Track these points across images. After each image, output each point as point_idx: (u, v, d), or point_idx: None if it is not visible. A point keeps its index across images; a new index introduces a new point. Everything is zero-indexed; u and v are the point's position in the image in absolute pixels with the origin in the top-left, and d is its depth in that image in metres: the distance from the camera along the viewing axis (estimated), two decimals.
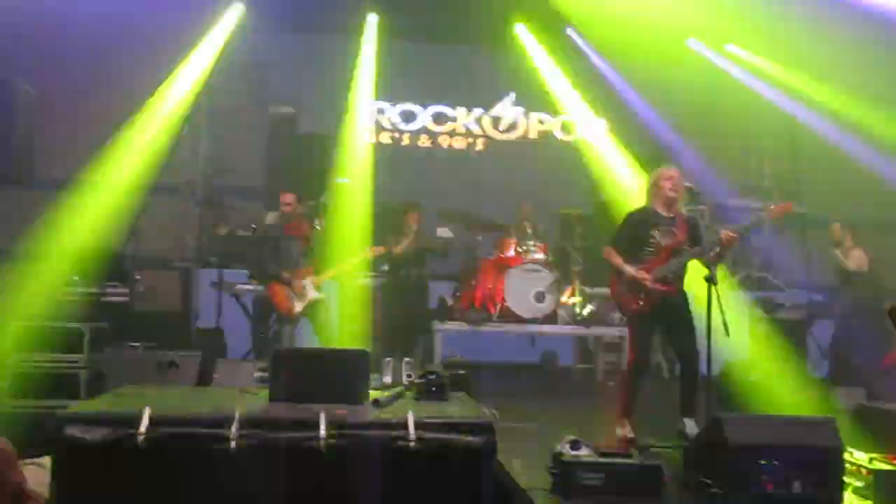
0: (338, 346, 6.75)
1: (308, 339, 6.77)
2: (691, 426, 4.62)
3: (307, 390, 3.43)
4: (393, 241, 7.15)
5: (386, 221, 7.86)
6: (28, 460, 3.43)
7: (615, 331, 8.04)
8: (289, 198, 6.86)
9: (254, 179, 10.41)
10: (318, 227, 6.95)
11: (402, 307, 7.09)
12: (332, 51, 10.51)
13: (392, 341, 7.19)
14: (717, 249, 4.60)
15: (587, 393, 7.74)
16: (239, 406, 3.10)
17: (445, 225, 7.67)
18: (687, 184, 4.66)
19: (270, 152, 10.59)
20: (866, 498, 3.10)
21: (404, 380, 6.73)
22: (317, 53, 10.45)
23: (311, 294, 6.53)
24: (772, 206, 4.79)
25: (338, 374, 3.51)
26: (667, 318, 4.77)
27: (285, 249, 6.66)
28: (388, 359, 6.90)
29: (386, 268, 7.92)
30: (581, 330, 8.12)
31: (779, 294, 9.06)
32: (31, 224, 9.16)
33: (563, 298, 8.01)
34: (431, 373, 3.76)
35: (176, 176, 10.14)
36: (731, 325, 4.31)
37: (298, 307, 6.52)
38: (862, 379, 6.23)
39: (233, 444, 2.99)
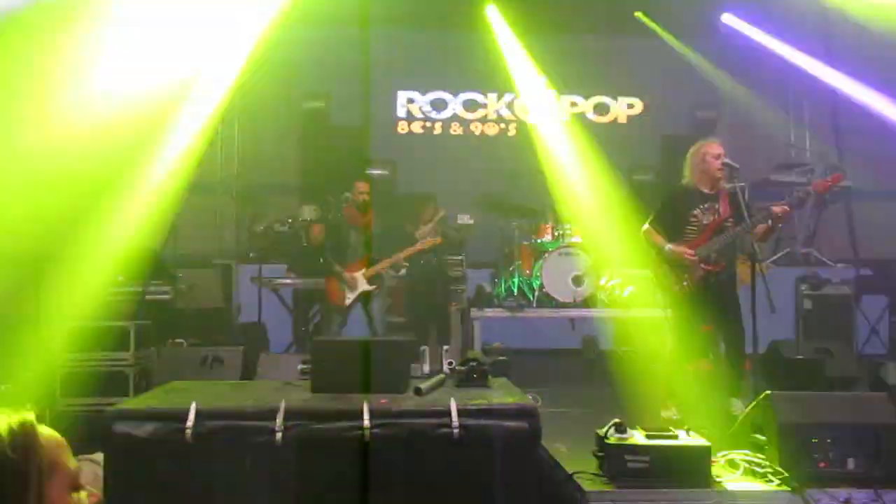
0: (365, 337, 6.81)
1: (360, 331, 6.82)
2: (738, 406, 4.53)
3: (349, 381, 3.44)
4: (413, 230, 7.15)
5: (409, 212, 7.85)
6: (81, 456, 3.52)
7: (655, 313, 7.93)
8: (364, 186, 6.89)
9: (288, 175, 10.52)
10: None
11: (426, 295, 7.09)
12: (361, 42, 10.52)
13: (424, 330, 7.19)
14: (769, 223, 4.48)
15: (628, 377, 7.64)
16: (283, 398, 3.13)
17: (469, 213, 7.63)
18: (726, 160, 4.53)
19: (304, 147, 10.68)
20: None
21: (444, 368, 6.76)
22: (346, 46, 10.47)
23: (363, 286, 6.60)
24: (818, 180, 4.65)
25: (379, 364, 3.52)
26: (712, 297, 4.67)
27: (344, 239, 6.74)
28: (423, 347, 6.91)
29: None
30: (620, 313, 8.02)
31: (825, 270, 8.84)
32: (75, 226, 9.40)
33: (602, 281, 7.92)
34: (473, 360, 3.74)
35: (212, 174, 10.30)
36: (777, 302, 4.21)
37: (350, 298, 6.60)
38: None
39: (278, 436, 3.02)
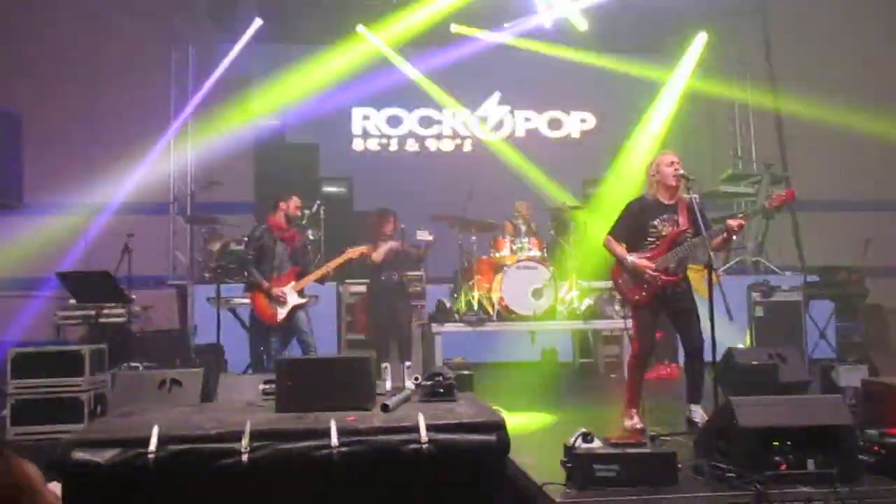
0: (329, 355, 6.71)
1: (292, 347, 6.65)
2: (699, 413, 4.62)
3: (314, 399, 3.42)
4: (369, 248, 7.06)
5: (366, 228, 7.82)
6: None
7: (614, 324, 8.05)
8: (299, 202, 6.73)
9: (243, 193, 10.41)
10: (311, 237, 6.86)
11: (386, 312, 7.03)
12: (316, 61, 10.51)
13: (385, 346, 7.15)
14: (724, 235, 4.59)
15: (589, 388, 7.74)
16: (248, 419, 3.08)
17: (427, 228, 7.62)
18: (681, 171, 4.63)
19: (258, 165, 10.59)
20: (881, 473, 3.10)
21: (408, 383, 6.72)
22: (300, 64, 10.44)
23: (294, 300, 6.43)
24: (774, 195, 4.78)
25: (344, 381, 3.50)
26: (671, 307, 4.75)
27: (270, 252, 6.53)
28: (385, 364, 6.86)
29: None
30: (580, 325, 8.12)
31: (774, 277, 9.09)
32: (24, 248, 9.15)
33: (561, 294, 8.00)
34: (438, 374, 3.74)
35: (165, 193, 10.13)
36: (733, 310, 4.32)
37: (281, 315, 6.42)
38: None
39: (244, 457, 2.97)
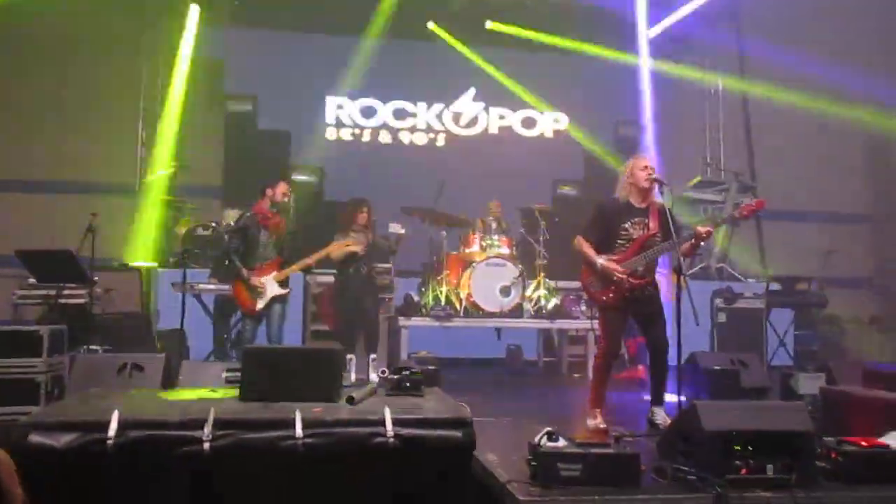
0: (296, 346, 6.64)
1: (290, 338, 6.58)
2: (662, 416, 4.67)
3: (280, 389, 3.37)
4: (342, 237, 6.99)
5: (338, 218, 7.74)
6: None
7: (579, 324, 8.12)
8: (285, 188, 6.56)
9: (211, 177, 10.26)
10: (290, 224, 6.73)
11: (353, 304, 6.98)
12: (291, 46, 10.40)
13: (351, 338, 7.10)
14: (692, 241, 4.64)
15: (553, 386, 7.79)
16: (211, 407, 3.03)
17: (399, 221, 7.58)
18: (655, 175, 4.67)
19: (228, 150, 10.44)
20: (837, 480, 3.16)
21: (373, 377, 6.69)
22: (275, 49, 10.32)
23: (274, 290, 6.35)
24: (744, 204, 4.83)
25: (311, 373, 3.46)
26: (637, 309, 4.79)
27: (255, 240, 6.43)
28: (350, 356, 6.82)
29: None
30: (546, 323, 8.17)
31: (737, 284, 9.24)
32: None
33: (528, 292, 8.04)
34: (405, 368, 3.73)
35: (131, 175, 9.95)
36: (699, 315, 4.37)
37: (260, 304, 6.33)
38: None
39: (206, 445, 2.92)
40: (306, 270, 7.20)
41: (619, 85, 11.00)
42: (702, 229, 4.61)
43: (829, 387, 5.01)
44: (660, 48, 11.03)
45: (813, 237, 10.50)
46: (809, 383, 5.55)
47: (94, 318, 6.55)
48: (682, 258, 4.50)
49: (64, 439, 2.89)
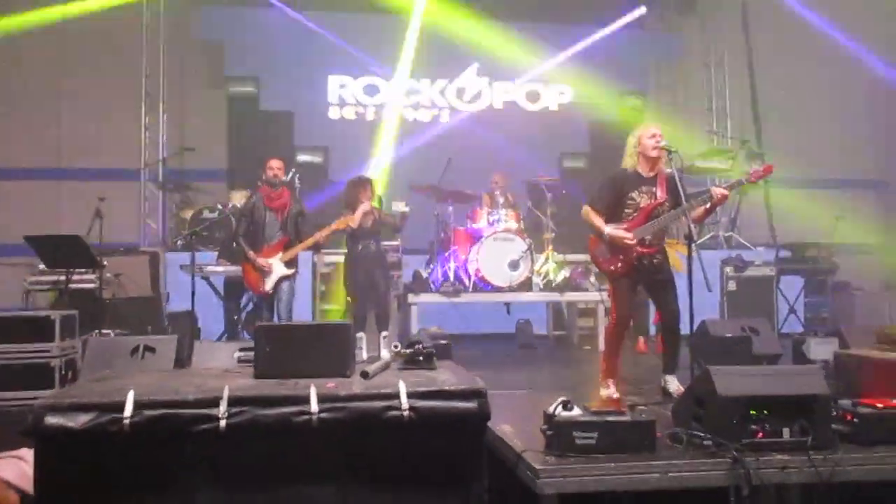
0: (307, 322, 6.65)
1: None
2: (674, 384, 4.66)
3: (293, 365, 3.37)
4: (347, 215, 6.95)
5: (344, 196, 7.71)
6: (4, 453, 3.33)
7: (589, 296, 8.11)
8: (276, 163, 6.49)
9: (216, 160, 10.25)
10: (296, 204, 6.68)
11: (364, 281, 6.97)
12: (291, 25, 10.31)
13: (362, 316, 7.10)
14: (707, 206, 4.60)
15: (564, 359, 7.80)
16: (226, 385, 3.03)
17: (403, 199, 7.54)
18: (663, 143, 4.62)
19: (231, 132, 10.41)
20: (853, 442, 3.15)
21: (384, 353, 6.70)
22: (276, 29, 10.24)
23: (281, 271, 6.35)
24: (753, 169, 4.78)
25: (324, 348, 3.45)
26: (647, 278, 4.77)
27: (260, 221, 6.42)
28: (360, 334, 6.83)
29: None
30: (555, 297, 8.16)
31: (747, 252, 9.20)
32: None
33: (537, 266, 8.02)
34: (418, 342, 3.72)
35: (137, 159, 9.94)
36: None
37: (268, 285, 6.34)
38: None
39: (222, 423, 2.93)
40: (314, 249, 7.18)
41: (624, 55, 10.90)
42: (717, 190, 4.56)
43: (842, 351, 4.98)
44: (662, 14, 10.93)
45: (822, 203, 10.42)
46: (821, 349, 5.55)
47: (105, 302, 6.58)
48: (693, 225, 4.46)
49: (80, 420, 2.90)
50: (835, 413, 3.28)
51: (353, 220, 6.76)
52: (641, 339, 7.80)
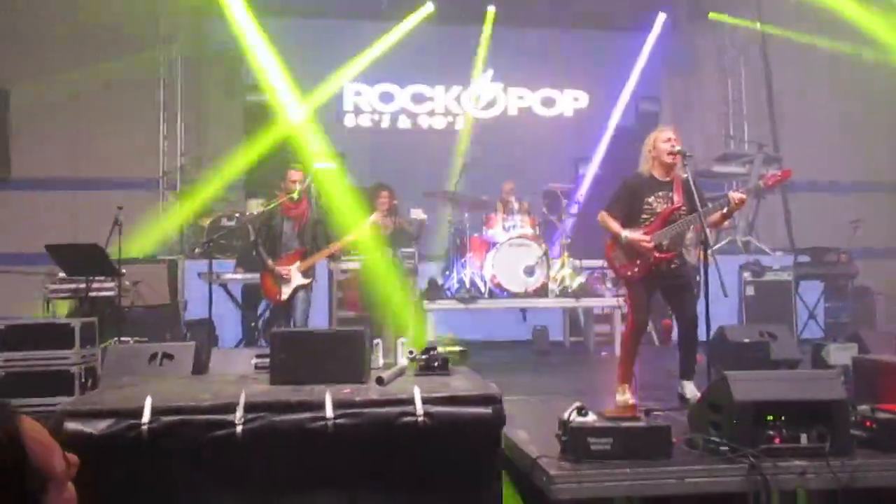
0: (323, 328, 6.66)
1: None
2: (691, 389, 4.63)
3: (309, 372, 3.40)
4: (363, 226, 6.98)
5: (361, 205, 7.75)
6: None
7: (605, 302, 8.07)
8: (296, 174, 6.53)
9: (233, 168, 10.31)
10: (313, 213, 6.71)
11: (381, 288, 6.98)
12: (308, 35, 10.39)
13: (379, 323, 7.12)
14: (724, 211, 4.58)
15: (580, 365, 7.77)
16: (242, 391, 3.06)
17: (420, 206, 7.56)
18: (678, 147, 4.60)
19: (249, 140, 10.47)
20: (871, 447, 3.12)
21: (399, 359, 6.70)
22: (292, 38, 10.31)
23: (298, 280, 6.37)
24: (769, 174, 4.74)
25: (339, 354, 3.48)
26: (665, 283, 4.74)
27: (277, 230, 6.45)
28: (377, 340, 6.83)
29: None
30: (571, 302, 8.13)
31: (765, 257, 9.13)
32: (12, 222, 9.08)
33: (553, 272, 8.01)
34: (433, 349, 3.73)
35: (155, 169, 10.04)
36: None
37: (285, 294, 6.36)
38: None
39: (238, 429, 2.95)
40: (332, 258, 7.21)
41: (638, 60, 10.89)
42: (735, 195, 4.53)
43: (862, 356, 4.93)
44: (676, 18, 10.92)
45: (840, 207, 10.32)
46: (841, 354, 5.48)
47: (124, 310, 6.65)
48: (709, 230, 4.44)
49: (99, 426, 2.94)
50: (854, 419, 3.25)
51: (365, 230, 6.78)
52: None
